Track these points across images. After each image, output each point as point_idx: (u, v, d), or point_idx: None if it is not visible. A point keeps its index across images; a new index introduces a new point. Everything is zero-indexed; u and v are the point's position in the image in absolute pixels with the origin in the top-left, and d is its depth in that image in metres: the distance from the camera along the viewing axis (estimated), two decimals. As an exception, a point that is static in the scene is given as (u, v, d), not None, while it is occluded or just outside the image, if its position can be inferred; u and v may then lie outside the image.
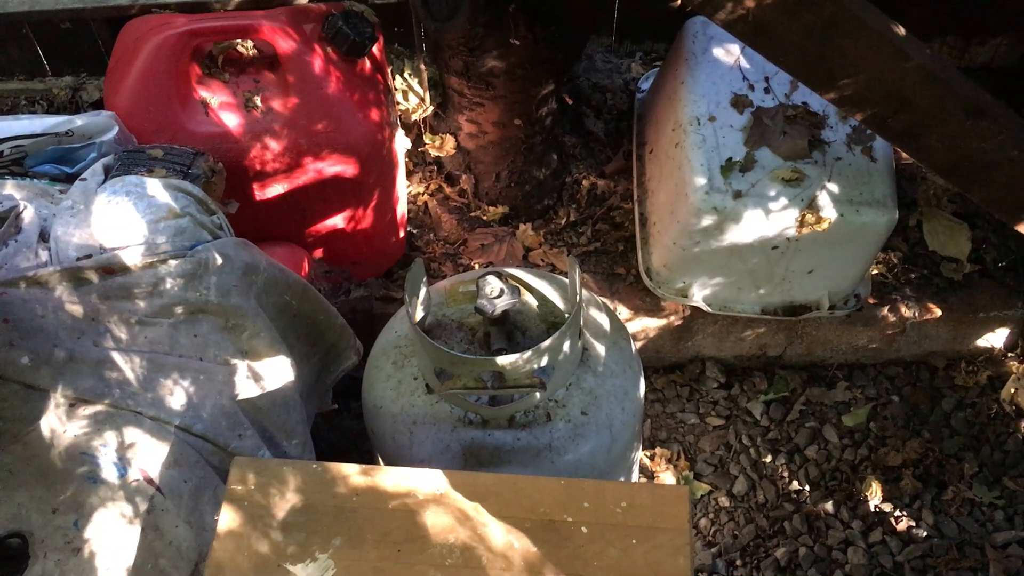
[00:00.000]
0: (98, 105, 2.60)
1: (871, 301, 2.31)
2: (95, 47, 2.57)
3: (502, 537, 1.20)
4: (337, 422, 2.27)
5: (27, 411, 1.35)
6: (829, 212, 1.93)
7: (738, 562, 2.17)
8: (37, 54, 2.63)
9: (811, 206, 1.93)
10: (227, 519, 1.22)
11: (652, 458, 2.31)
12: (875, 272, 2.35)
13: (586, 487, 1.24)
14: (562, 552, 1.19)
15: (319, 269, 2.17)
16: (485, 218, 2.47)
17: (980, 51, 2.53)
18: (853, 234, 1.98)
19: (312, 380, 1.83)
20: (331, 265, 2.24)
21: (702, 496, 2.27)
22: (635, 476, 1.94)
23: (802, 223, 1.95)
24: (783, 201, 1.94)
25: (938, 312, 2.31)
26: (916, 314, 2.31)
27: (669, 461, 2.31)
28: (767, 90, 2.07)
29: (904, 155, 2.27)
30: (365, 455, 2.13)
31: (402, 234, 2.36)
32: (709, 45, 2.14)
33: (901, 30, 1.49)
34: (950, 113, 1.58)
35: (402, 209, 2.31)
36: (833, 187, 1.94)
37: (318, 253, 2.20)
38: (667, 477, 2.28)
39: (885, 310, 2.31)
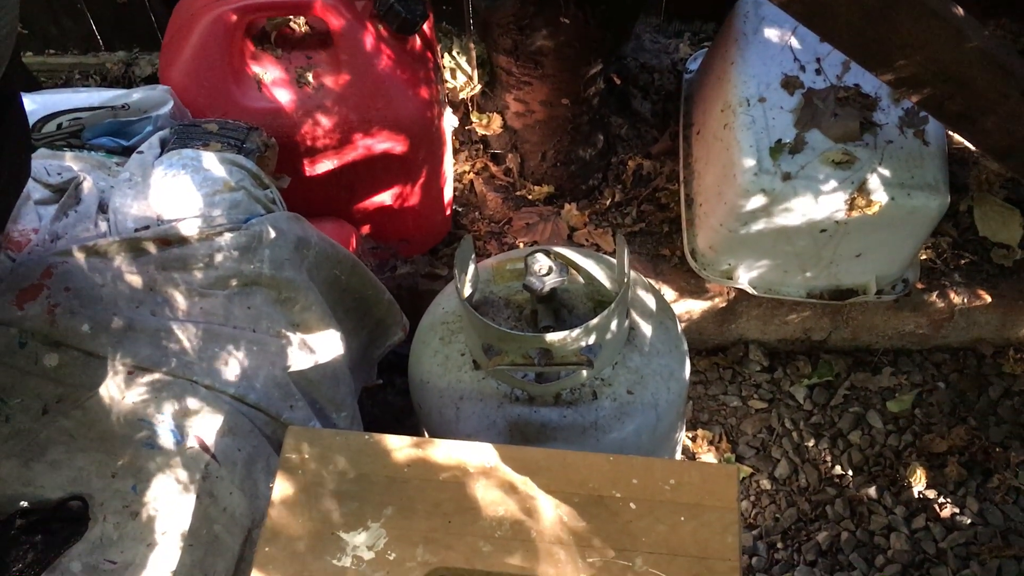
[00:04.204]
0: (150, 80, 2.64)
1: (919, 286, 2.29)
2: (148, 22, 2.61)
3: (551, 511, 1.22)
4: (381, 397, 2.30)
5: (87, 378, 1.38)
6: (879, 195, 1.92)
7: (779, 545, 2.17)
8: (91, 29, 2.66)
9: (861, 189, 1.92)
10: (282, 487, 1.24)
11: (694, 439, 2.31)
12: (924, 257, 2.32)
13: (634, 464, 1.25)
14: (610, 527, 1.20)
15: (366, 245, 2.19)
16: (530, 197, 2.48)
17: (1036, 35, 2.49)
18: (903, 218, 1.96)
19: (359, 354, 1.86)
20: (378, 241, 2.26)
21: (744, 478, 2.27)
22: (678, 457, 1.95)
23: (852, 206, 1.93)
24: (833, 184, 1.92)
25: (987, 298, 2.28)
26: (965, 300, 2.28)
27: (711, 443, 2.31)
28: (818, 71, 2.05)
29: (956, 139, 2.25)
30: (408, 430, 2.15)
31: (448, 212, 2.37)
32: (760, 26, 2.12)
33: (960, 11, 1.47)
34: (1008, 96, 1.56)
35: (448, 187, 2.32)
36: (884, 170, 1.93)
37: (365, 229, 2.22)
38: (709, 459, 2.29)
39: (933, 296, 2.29)
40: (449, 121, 2.29)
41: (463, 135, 2.51)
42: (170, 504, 1.32)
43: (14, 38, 1.01)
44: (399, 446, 1.27)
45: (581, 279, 1.65)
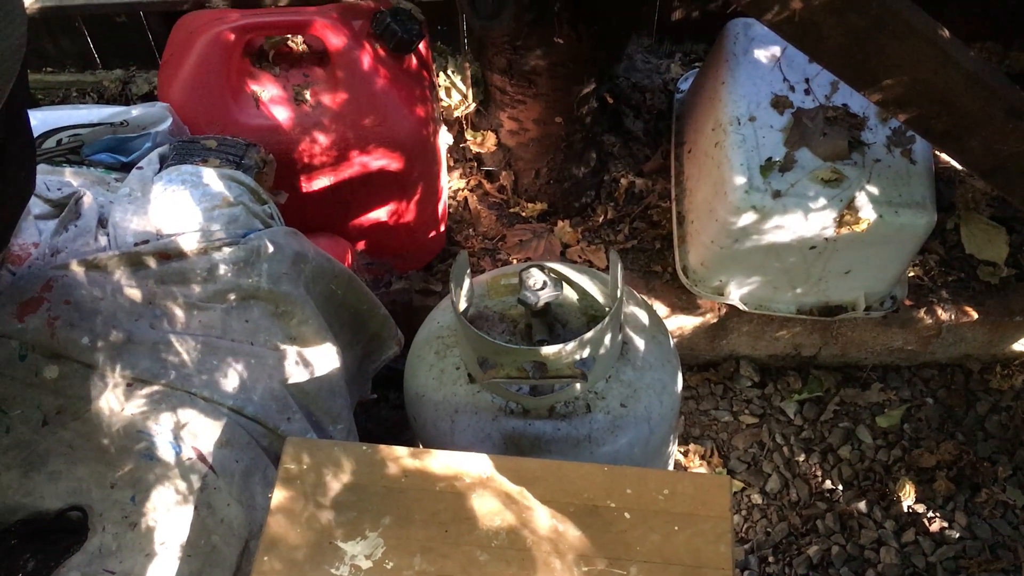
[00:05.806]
0: (147, 98, 2.66)
1: (907, 303, 2.32)
2: (145, 41, 2.63)
3: (547, 521, 1.23)
4: (375, 412, 2.31)
5: (86, 390, 1.40)
6: (868, 213, 1.95)
7: (771, 559, 2.19)
8: (88, 47, 2.68)
9: (850, 207, 1.95)
10: (280, 496, 1.26)
11: (686, 454, 2.33)
12: (912, 274, 2.35)
13: (628, 474, 1.27)
14: (605, 537, 1.22)
15: (361, 261, 2.21)
16: (524, 214, 2.50)
17: (1020, 57, 2.53)
18: (891, 235, 1.99)
19: (354, 368, 1.87)
20: (373, 257, 2.28)
21: (735, 493, 2.28)
22: (670, 470, 1.96)
23: (840, 223, 1.96)
24: (822, 201, 1.96)
25: (974, 315, 2.32)
26: (952, 317, 2.31)
27: (702, 457, 2.33)
28: (807, 91, 2.08)
29: (943, 158, 2.29)
30: (403, 444, 2.15)
31: (442, 228, 2.40)
32: (750, 46, 2.15)
33: (946, 33, 1.51)
34: (992, 116, 1.59)
35: (443, 204, 2.35)
36: (872, 188, 1.96)
37: (360, 245, 2.24)
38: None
39: (921, 312, 2.32)
40: (444, 139, 2.31)
41: (458, 152, 2.53)
42: (168, 515, 1.33)
43: (22, 52, 1.03)
44: (397, 456, 1.29)
45: (575, 294, 1.67)
